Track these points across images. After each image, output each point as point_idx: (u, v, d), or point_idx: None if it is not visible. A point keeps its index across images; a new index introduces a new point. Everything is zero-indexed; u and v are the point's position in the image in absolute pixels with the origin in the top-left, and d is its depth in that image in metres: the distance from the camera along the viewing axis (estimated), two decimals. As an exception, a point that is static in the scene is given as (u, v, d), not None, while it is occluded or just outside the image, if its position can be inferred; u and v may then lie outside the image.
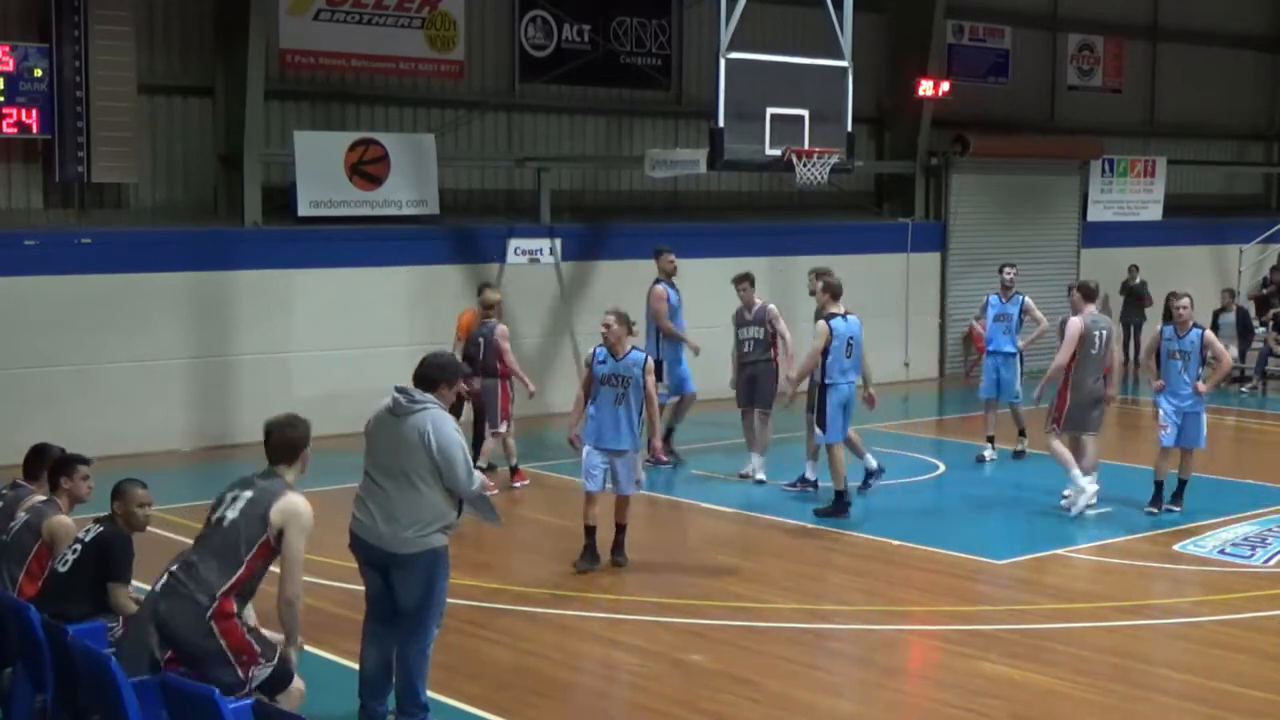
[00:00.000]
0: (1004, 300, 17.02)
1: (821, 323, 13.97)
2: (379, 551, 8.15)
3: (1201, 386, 13.71)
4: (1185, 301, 13.96)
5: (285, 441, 7.32)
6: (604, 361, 11.72)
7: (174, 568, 7.15)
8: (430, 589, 8.04)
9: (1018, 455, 16.72)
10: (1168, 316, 24.63)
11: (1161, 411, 13.86)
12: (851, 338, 13.91)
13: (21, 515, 8.44)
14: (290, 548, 7.04)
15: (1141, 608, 11.01)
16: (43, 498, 8.55)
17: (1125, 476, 15.58)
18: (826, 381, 13.84)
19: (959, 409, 22.49)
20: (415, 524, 7.93)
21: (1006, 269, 17.24)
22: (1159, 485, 13.88)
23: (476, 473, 8.16)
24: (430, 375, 8.19)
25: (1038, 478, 16.25)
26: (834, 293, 14.03)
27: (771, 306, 15.64)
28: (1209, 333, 14.10)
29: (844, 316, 13.98)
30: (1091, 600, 11.15)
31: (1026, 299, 16.98)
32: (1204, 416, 13.84)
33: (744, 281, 15.62)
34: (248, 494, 7.15)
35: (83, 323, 16.42)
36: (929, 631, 10.70)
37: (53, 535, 8.21)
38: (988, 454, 16.75)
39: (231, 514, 7.11)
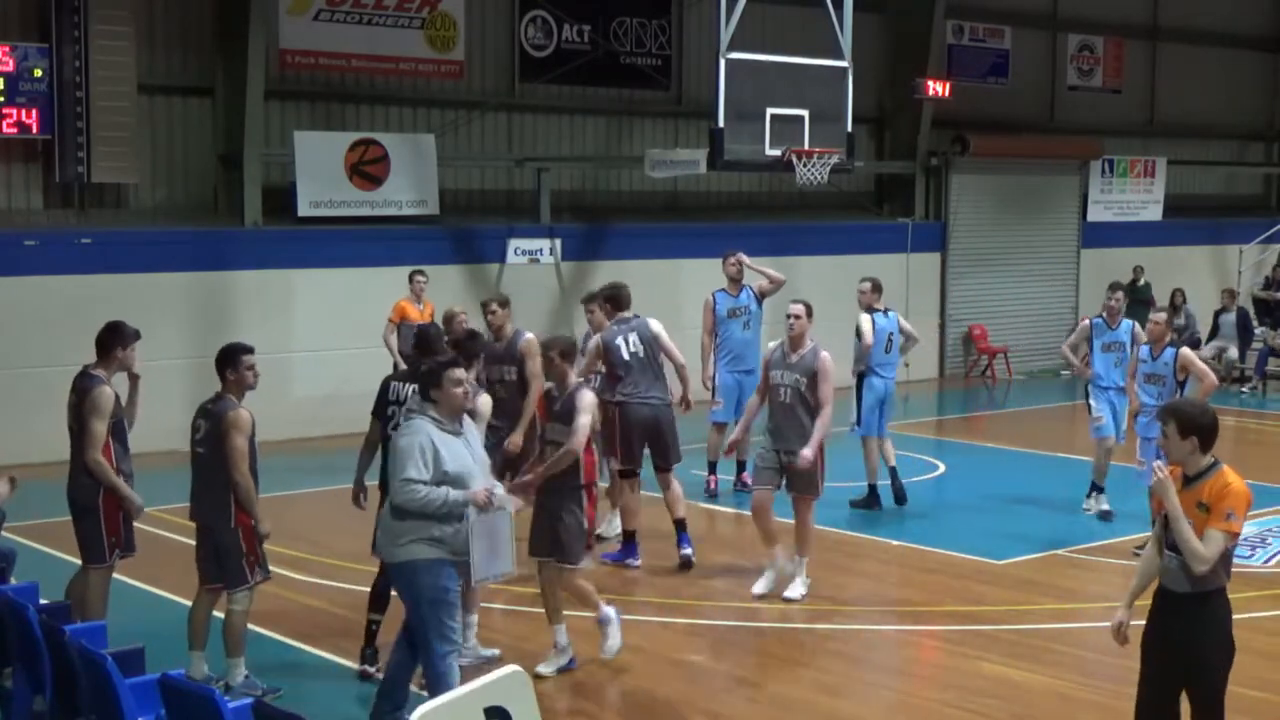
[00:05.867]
0: (1111, 326, 14.03)
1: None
2: (382, 559, 8.24)
3: None
4: (1161, 316, 12.61)
5: None
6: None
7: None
8: (420, 600, 7.82)
9: (1105, 516, 13.99)
10: (1170, 319, 24.73)
11: (1137, 443, 12.72)
12: (892, 333, 14.19)
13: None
14: None
15: (1142, 608, 10.99)
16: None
17: (1127, 476, 15.56)
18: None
19: (959, 409, 22.53)
20: (399, 534, 7.75)
21: (1116, 293, 14.35)
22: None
23: (428, 488, 7.57)
24: (421, 383, 8.01)
25: (1038, 479, 16.27)
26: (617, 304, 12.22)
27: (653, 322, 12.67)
28: (1185, 351, 12.53)
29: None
30: (1091, 600, 11.15)
31: (1136, 326, 14.14)
32: None
33: (592, 303, 12.57)
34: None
35: (83, 323, 16.32)
36: (929, 631, 10.70)
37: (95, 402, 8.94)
38: (1094, 504, 14.09)
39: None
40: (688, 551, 11.99)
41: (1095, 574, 12.05)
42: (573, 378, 9.39)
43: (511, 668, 5.55)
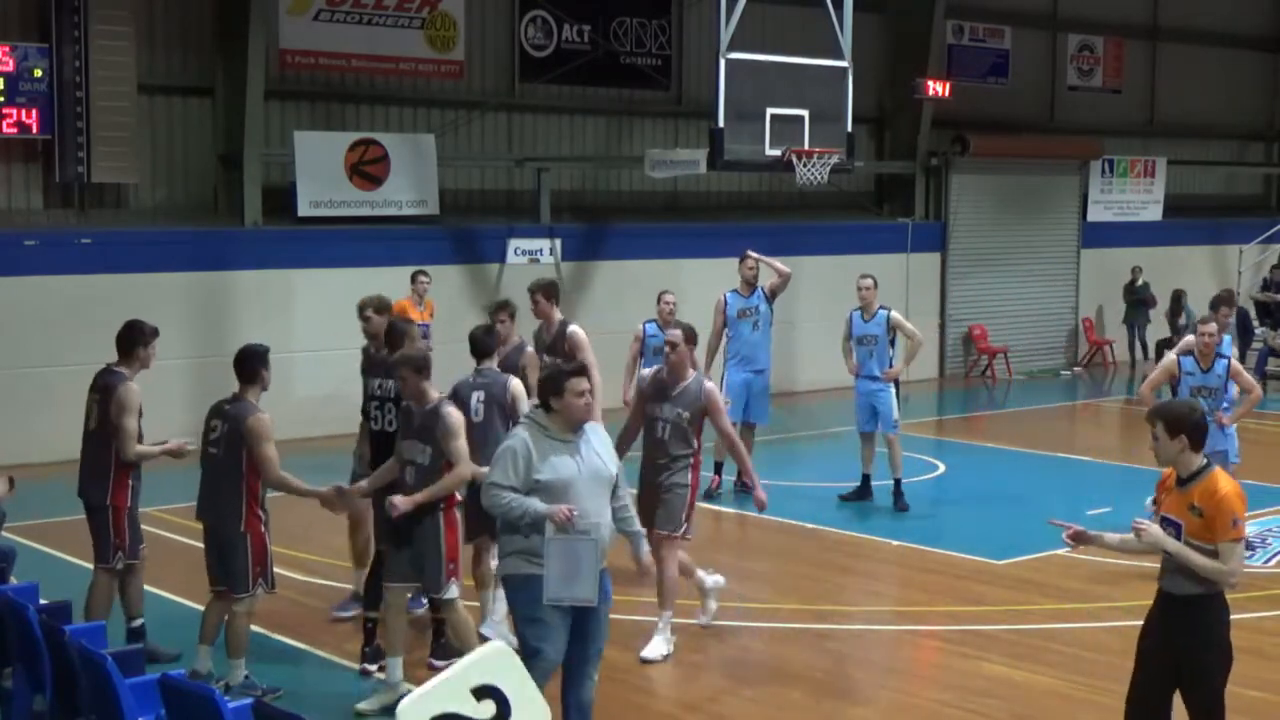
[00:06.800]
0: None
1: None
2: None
3: (1225, 419, 11.73)
4: (1212, 328, 11.83)
5: None
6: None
7: None
8: (515, 615, 7.49)
9: None
10: (1173, 319, 24.77)
11: None
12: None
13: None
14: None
15: (1141, 608, 10.93)
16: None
17: (1128, 476, 15.58)
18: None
19: (959, 409, 22.52)
20: (503, 545, 7.41)
21: (1223, 308, 12.92)
22: None
23: (511, 496, 7.19)
24: (542, 391, 7.47)
25: (1038, 479, 16.27)
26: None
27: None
28: (1236, 362, 12.08)
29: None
30: (1091, 600, 11.15)
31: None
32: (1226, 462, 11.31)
33: (502, 313, 10.96)
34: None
35: (83, 323, 16.40)
36: (929, 631, 10.70)
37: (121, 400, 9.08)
38: None
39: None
40: None
41: (1095, 574, 12.04)
42: (433, 393, 8.64)
43: (495, 644, 5.41)
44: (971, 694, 9.08)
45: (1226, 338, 12.73)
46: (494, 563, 9.79)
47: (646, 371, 10.30)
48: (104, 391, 9.10)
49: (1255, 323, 24.80)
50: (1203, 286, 25.99)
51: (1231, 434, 12.15)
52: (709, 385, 9.85)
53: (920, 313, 23.79)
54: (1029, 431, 19.50)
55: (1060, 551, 12.73)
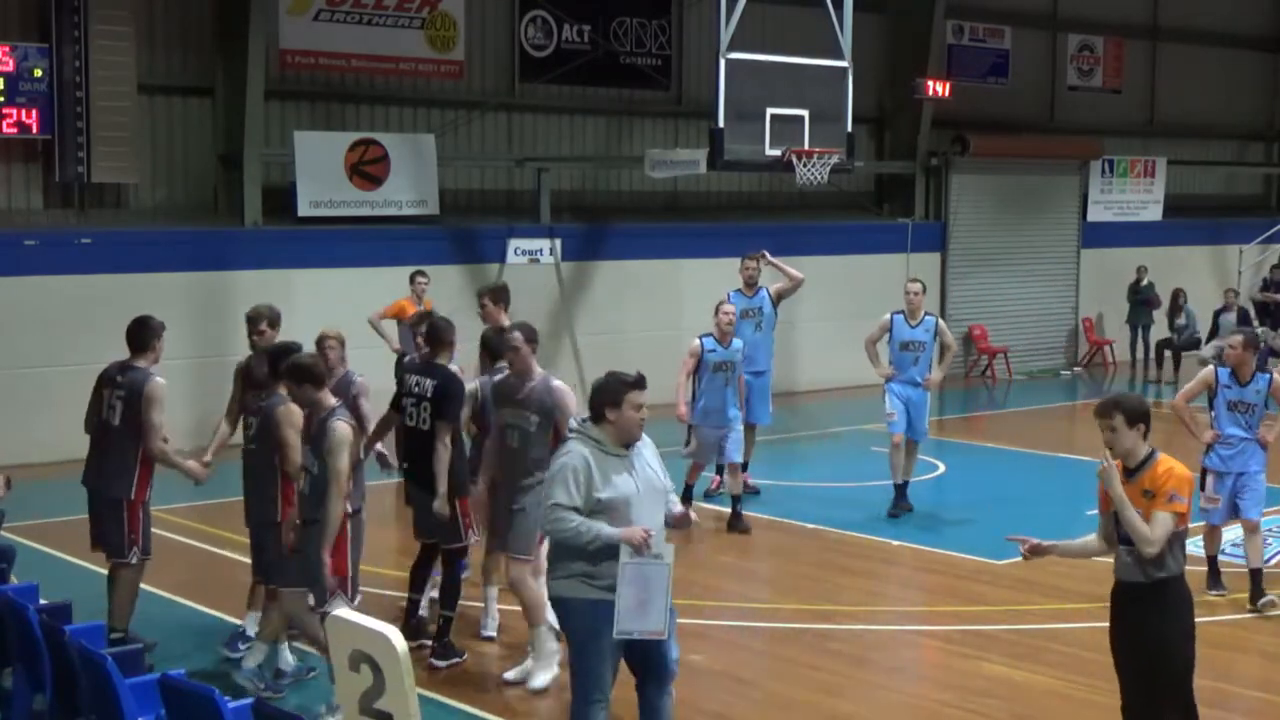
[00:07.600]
0: None
1: None
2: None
3: (1269, 436, 11.06)
4: (1236, 340, 11.25)
5: None
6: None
7: None
8: (570, 641, 7.20)
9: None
10: (1172, 319, 24.77)
11: (1210, 479, 11.11)
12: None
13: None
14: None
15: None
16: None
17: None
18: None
19: (959, 409, 22.50)
20: (556, 565, 7.12)
21: None
22: (1212, 561, 11.21)
23: (578, 519, 6.88)
24: (594, 401, 7.18)
25: (1038, 479, 16.27)
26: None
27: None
28: (1278, 377, 11.21)
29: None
30: (1091, 600, 11.11)
31: None
32: (1263, 478, 11.09)
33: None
34: None
35: (83, 323, 16.41)
36: (929, 631, 10.70)
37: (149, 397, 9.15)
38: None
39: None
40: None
41: (1095, 574, 11.99)
42: (331, 402, 8.33)
43: (388, 628, 5.02)
44: (971, 694, 9.08)
45: None
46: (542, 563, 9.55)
47: (485, 378, 9.68)
48: (130, 388, 9.11)
49: (1255, 323, 24.80)
50: (1203, 286, 26.04)
51: (1261, 476, 11.22)
52: (556, 384, 9.10)
53: (920, 313, 23.80)
54: (1029, 431, 19.51)
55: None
